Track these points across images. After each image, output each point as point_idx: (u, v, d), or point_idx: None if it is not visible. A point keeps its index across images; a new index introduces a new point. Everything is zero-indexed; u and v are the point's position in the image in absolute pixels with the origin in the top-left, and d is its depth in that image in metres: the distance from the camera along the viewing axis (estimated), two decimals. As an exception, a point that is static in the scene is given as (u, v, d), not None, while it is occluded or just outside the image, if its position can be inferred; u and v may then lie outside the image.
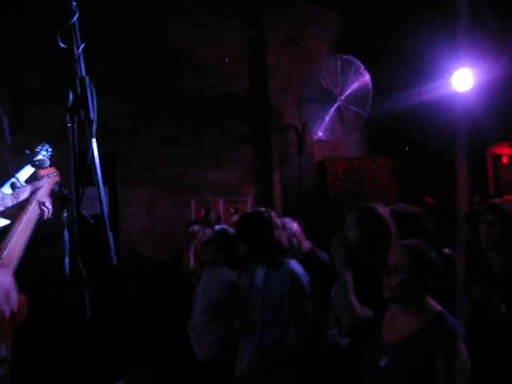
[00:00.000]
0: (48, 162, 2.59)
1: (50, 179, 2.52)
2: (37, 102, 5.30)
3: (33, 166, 2.51)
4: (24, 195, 2.20)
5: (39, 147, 3.10)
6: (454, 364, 1.93)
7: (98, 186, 1.46)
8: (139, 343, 5.03)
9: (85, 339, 1.47)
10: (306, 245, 3.85)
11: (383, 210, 2.77)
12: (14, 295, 1.49)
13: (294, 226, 3.75)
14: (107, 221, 1.45)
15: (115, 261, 1.45)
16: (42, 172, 2.53)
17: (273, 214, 3.18)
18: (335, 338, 2.58)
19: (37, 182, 2.43)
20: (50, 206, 2.27)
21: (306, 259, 3.52)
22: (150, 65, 5.91)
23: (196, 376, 3.73)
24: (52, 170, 2.61)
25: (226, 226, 4.09)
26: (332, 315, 2.66)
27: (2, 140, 2.73)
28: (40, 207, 2.21)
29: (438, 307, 2.12)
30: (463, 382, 1.93)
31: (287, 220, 3.76)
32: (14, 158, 4.28)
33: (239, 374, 3.12)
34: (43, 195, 2.32)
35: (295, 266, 3.06)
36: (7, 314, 1.45)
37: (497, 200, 4.01)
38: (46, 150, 3.12)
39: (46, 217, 2.24)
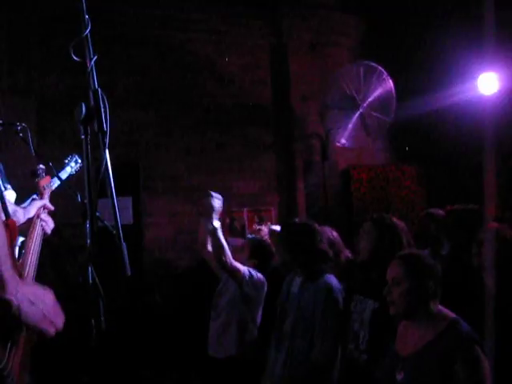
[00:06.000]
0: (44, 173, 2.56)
1: (48, 189, 2.49)
2: (61, 113, 5.37)
3: (32, 175, 2.49)
4: (33, 211, 2.17)
5: (68, 158, 3.04)
6: (474, 370, 1.88)
7: (112, 197, 1.46)
8: (163, 352, 5.04)
9: (106, 350, 1.46)
10: (346, 254, 3.78)
11: (396, 219, 2.71)
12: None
13: (334, 234, 3.67)
14: (121, 232, 1.45)
15: (129, 272, 1.45)
16: (42, 182, 2.50)
17: (316, 225, 3.18)
18: (353, 354, 2.52)
19: (43, 199, 2.40)
20: (47, 219, 2.21)
21: (346, 269, 3.46)
22: (172, 75, 5.97)
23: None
24: (48, 179, 2.57)
25: (257, 236, 4.09)
26: (351, 329, 2.60)
27: (27, 153, 2.75)
28: (40, 222, 2.17)
29: (451, 314, 2.06)
30: None
31: (327, 229, 3.67)
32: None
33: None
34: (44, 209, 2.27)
35: (333, 280, 3.01)
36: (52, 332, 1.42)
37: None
38: (75, 162, 3.06)
39: (49, 231, 2.19)
